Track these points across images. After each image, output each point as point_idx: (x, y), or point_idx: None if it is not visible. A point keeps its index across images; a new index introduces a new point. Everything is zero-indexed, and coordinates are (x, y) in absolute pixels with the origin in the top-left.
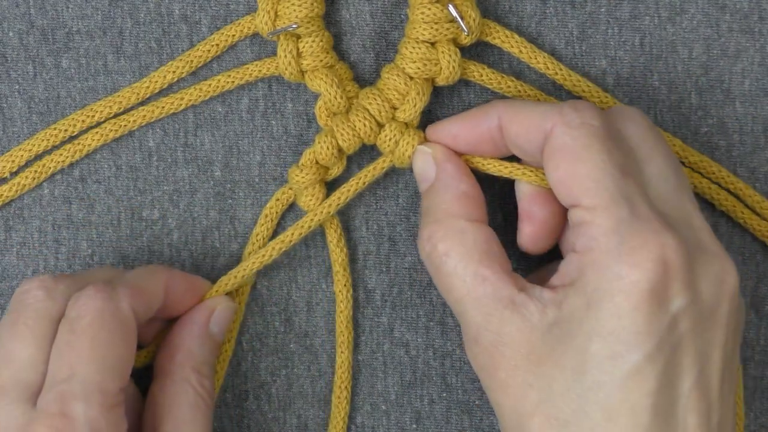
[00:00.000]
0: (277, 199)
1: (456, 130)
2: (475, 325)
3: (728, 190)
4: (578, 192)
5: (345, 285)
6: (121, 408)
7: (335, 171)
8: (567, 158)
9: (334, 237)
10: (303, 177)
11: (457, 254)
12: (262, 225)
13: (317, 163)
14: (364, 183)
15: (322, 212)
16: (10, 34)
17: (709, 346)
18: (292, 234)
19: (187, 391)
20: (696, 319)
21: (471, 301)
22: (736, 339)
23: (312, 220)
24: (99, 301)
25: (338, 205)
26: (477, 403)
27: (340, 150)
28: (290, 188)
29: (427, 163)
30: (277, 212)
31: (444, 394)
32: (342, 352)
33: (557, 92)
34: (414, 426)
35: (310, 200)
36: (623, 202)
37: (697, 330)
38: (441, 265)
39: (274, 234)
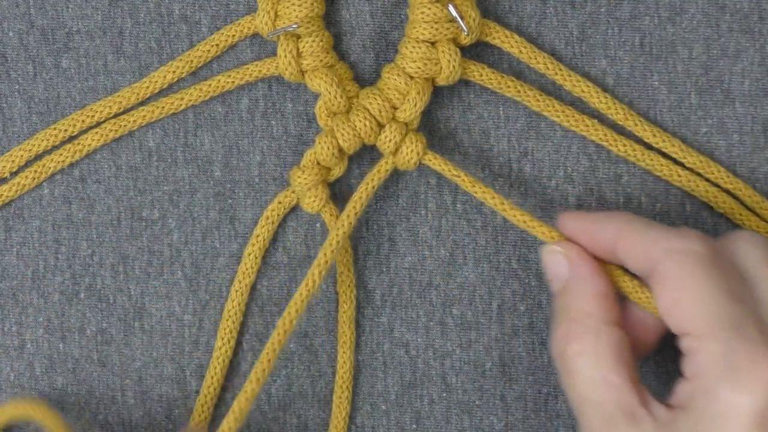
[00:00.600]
0: (279, 202)
1: (581, 226)
2: (591, 429)
3: (728, 191)
4: (685, 321)
5: (349, 286)
6: None
7: (337, 171)
8: (673, 287)
9: None
10: (305, 178)
11: (589, 355)
12: (263, 227)
13: (318, 164)
14: (373, 188)
15: (343, 226)
16: (10, 34)
17: None
18: (325, 256)
19: None
20: None
21: (594, 404)
22: None
23: (337, 236)
24: None
25: (356, 215)
26: (477, 403)
27: (340, 150)
28: (293, 191)
29: (559, 261)
30: (278, 215)
31: (444, 394)
32: (344, 352)
33: (557, 92)
34: (414, 426)
35: (314, 201)
36: (731, 327)
37: None
38: (571, 364)
39: (275, 235)
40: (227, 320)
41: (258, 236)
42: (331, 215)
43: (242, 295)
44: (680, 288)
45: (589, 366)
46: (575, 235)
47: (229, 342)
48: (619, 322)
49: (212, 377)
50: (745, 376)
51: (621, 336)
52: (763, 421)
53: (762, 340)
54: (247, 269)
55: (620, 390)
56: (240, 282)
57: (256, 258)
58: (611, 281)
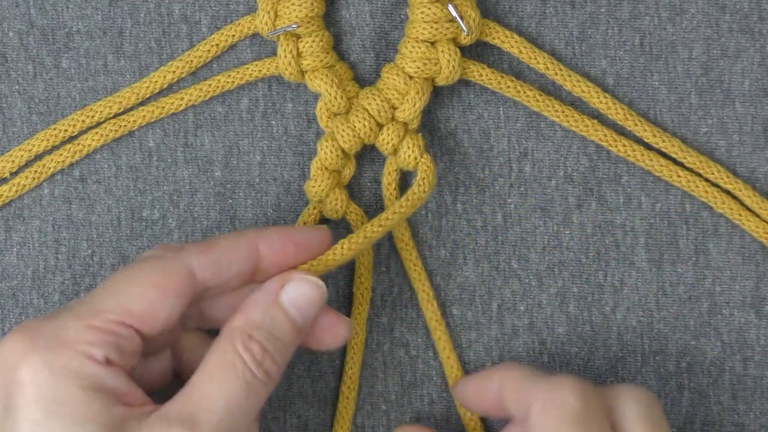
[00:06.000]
0: (304, 222)
1: (471, 388)
2: None
3: (728, 191)
4: None
5: (366, 288)
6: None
7: (348, 173)
8: None
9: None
10: (319, 186)
11: None
12: None
13: (327, 169)
14: (394, 190)
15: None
16: (10, 34)
17: None
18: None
19: (226, 349)
20: None
21: None
22: None
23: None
24: (154, 249)
25: (407, 214)
26: None
27: (344, 151)
28: (314, 207)
29: None
30: None
31: (444, 394)
32: (354, 353)
33: (557, 92)
34: None
35: (336, 205)
36: None
37: None
38: None
39: None
40: None
41: None
42: (356, 216)
43: None
44: None
45: None
46: (468, 399)
47: None
48: None
49: None
50: None
51: None
52: None
53: None
54: None
55: None
56: None
57: None
58: None
